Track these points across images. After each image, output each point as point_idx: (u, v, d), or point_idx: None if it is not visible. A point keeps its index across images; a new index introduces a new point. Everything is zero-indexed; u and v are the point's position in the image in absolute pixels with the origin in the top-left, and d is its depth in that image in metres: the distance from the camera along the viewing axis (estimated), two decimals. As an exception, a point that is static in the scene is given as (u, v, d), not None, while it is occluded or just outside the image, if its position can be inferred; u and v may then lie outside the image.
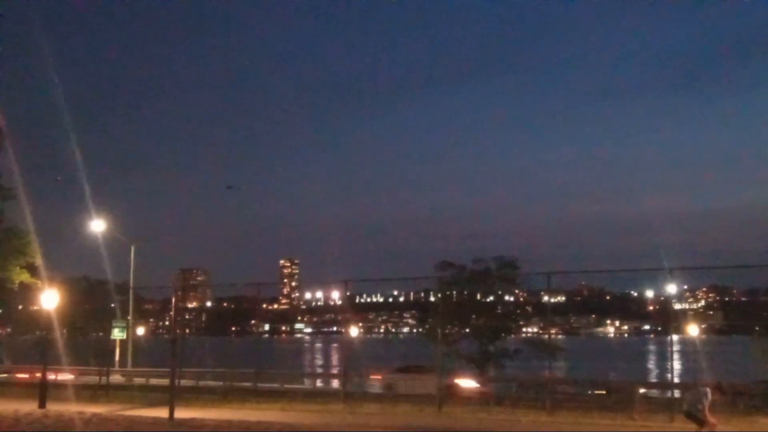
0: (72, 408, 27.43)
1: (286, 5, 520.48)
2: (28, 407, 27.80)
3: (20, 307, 56.09)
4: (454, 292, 44.53)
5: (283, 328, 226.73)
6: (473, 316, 44.45)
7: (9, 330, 68.55)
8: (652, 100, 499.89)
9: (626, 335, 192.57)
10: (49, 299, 33.64)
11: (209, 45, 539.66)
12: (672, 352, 36.97)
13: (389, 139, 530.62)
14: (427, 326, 51.90)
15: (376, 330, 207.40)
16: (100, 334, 56.33)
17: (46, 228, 42.39)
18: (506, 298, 46.86)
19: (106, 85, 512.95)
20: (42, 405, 28.59)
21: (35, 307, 47.01)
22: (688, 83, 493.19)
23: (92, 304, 54.94)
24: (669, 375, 37.46)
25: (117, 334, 51.02)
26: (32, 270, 41.19)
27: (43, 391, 29.68)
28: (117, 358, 51.20)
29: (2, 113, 40.65)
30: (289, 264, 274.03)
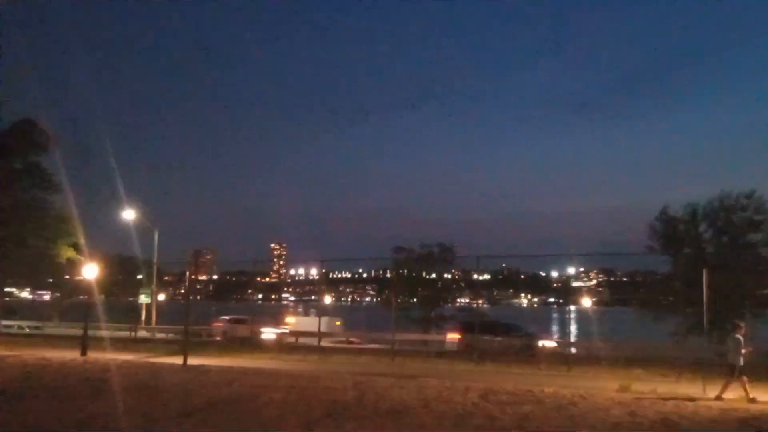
0: (107, 356, 27.19)
1: (290, 38, 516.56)
2: (71, 354, 27.48)
3: (67, 277, 55.59)
4: (406, 270, 44.72)
5: (273, 296, 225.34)
6: (419, 289, 44.66)
7: (58, 295, 67.91)
8: (559, 122, 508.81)
9: (535, 305, 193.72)
10: (90, 271, 33.35)
11: (224, 67, 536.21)
12: (570, 318, 37.50)
13: (361, 146, 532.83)
14: (384, 296, 52.12)
15: (344, 299, 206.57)
16: (130, 298, 56.13)
17: (87, 214, 41.97)
18: (445, 275, 47.13)
19: (133, 94, 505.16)
20: (83, 353, 28.27)
21: (79, 277, 46.43)
22: (587, 110, 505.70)
23: (124, 275, 54.67)
24: (567, 335, 37.83)
25: (143, 299, 51.00)
26: (76, 248, 40.77)
27: (85, 342, 29.36)
28: (143, 317, 50.83)
29: (50, 121, 40.20)
30: (278, 246, 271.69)
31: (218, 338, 42.42)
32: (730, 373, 17.68)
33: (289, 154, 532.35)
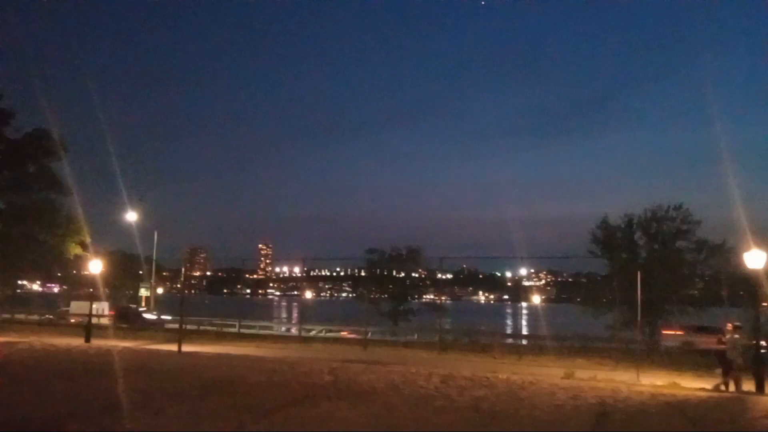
0: (109, 343, 26.78)
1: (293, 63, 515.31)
2: (77, 341, 27.03)
3: (74, 271, 54.92)
4: (378, 269, 44.78)
5: (260, 291, 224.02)
6: (390, 285, 44.71)
7: (66, 287, 67.06)
8: (516, 140, 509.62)
9: (491, 302, 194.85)
10: (95, 266, 32.96)
11: (226, 83, 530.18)
12: (521, 314, 37.68)
13: (340, 159, 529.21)
14: (358, 292, 52.08)
15: (323, 294, 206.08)
16: (131, 292, 55.59)
17: (93, 215, 41.51)
18: (412, 274, 47.27)
19: (143, 108, 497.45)
20: (87, 340, 27.85)
21: (85, 272, 45.95)
22: (540, 129, 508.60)
23: (126, 270, 54.15)
24: (519, 329, 38.02)
25: (143, 292, 50.66)
26: (83, 245, 40.26)
27: (88, 330, 28.95)
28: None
29: (61, 131, 39.67)
30: (264, 246, 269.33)
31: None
32: (730, 368, 17.37)
33: (277, 165, 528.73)
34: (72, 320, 44.05)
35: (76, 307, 47.78)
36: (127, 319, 42.45)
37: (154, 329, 38.56)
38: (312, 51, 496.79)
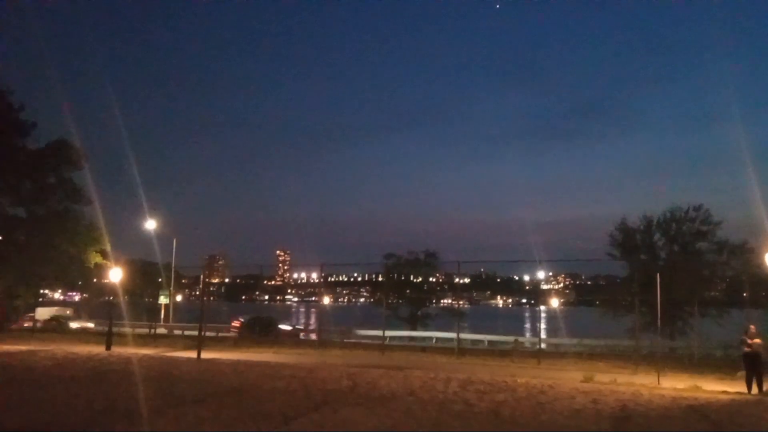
0: (129, 350, 26.97)
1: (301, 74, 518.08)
2: (98, 349, 27.24)
3: (95, 279, 55.38)
4: (395, 274, 44.71)
5: (278, 297, 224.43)
6: (407, 290, 44.66)
7: (86, 296, 67.58)
8: (516, 142, 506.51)
9: (510, 306, 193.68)
10: (115, 274, 33.16)
11: (238, 92, 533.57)
12: (540, 317, 37.45)
13: (357, 164, 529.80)
14: (376, 297, 52.07)
15: (341, 300, 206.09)
16: (150, 299, 55.88)
17: (114, 223, 41.89)
18: (430, 278, 47.19)
19: (159, 119, 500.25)
20: (108, 347, 28.04)
21: (105, 280, 46.29)
22: (541, 132, 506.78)
23: (145, 278, 54.49)
24: (538, 332, 37.71)
25: (162, 299, 50.93)
26: (104, 254, 40.60)
27: (109, 338, 29.14)
28: (162, 316, 50.61)
29: (82, 142, 40.12)
30: (282, 253, 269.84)
31: None
32: (763, 371, 17.05)
33: (294, 171, 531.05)
34: (27, 324, 45.93)
35: (41, 312, 49.94)
36: (262, 331, 40.09)
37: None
38: (313, 51, 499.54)
